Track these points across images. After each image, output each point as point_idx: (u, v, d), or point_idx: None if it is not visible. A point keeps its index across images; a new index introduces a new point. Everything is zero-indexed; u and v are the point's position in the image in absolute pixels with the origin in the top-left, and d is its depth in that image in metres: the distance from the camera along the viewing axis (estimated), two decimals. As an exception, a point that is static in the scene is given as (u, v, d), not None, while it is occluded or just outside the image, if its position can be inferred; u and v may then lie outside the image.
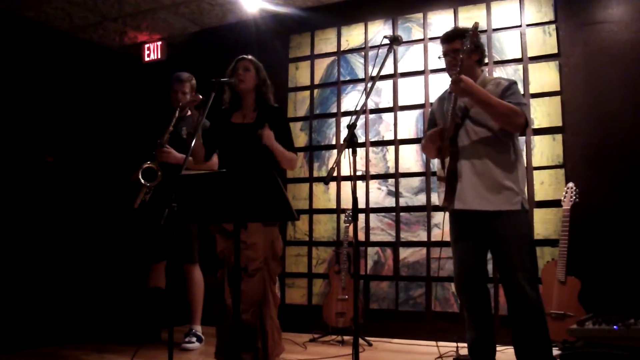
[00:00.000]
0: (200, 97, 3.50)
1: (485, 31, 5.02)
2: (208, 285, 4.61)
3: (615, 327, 3.04)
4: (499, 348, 3.46)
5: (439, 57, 3.46)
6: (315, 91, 5.75)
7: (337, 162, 2.89)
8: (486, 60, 4.83)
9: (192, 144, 3.52)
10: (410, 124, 5.25)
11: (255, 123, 3.55)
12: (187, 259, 4.70)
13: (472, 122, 3.26)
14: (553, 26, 4.79)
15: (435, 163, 3.67)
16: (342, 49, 5.67)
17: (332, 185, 5.51)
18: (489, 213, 3.17)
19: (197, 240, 4.76)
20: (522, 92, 3.54)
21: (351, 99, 5.55)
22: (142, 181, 4.50)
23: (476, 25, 3.21)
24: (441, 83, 5.14)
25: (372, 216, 5.30)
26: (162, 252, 4.71)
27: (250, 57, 3.66)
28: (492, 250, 3.28)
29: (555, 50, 4.76)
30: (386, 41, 3.21)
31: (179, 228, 4.59)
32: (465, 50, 3.17)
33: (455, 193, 3.27)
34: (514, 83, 3.29)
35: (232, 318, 2.91)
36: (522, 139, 4.56)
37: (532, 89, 4.78)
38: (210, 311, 5.03)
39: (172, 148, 4.59)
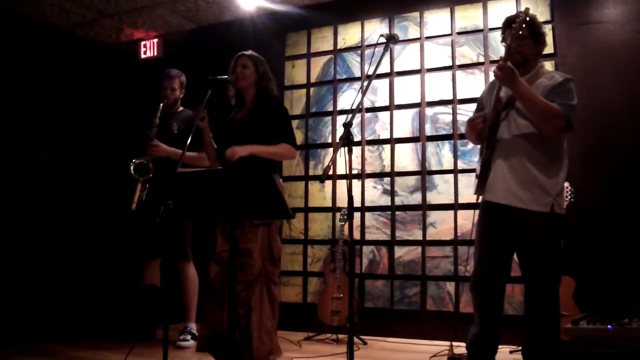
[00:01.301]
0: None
1: (481, 30, 5.03)
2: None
3: (609, 326, 3.05)
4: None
5: (502, 42, 3.36)
6: (312, 89, 5.74)
7: (333, 161, 2.88)
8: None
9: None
10: (406, 123, 5.25)
11: (248, 117, 3.56)
12: (180, 256, 4.69)
13: (517, 114, 3.12)
14: (549, 26, 4.79)
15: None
16: (338, 48, 5.66)
17: (328, 183, 5.51)
18: (518, 211, 3.07)
19: (191, 237, 4.76)
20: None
21: (347, 98, 5.55)
22: (135, 176, 4.51)
23: (527, 10, 3.10)
24: (437, 82, 5.14)
25: (367, 215, 5.30)
26: (156, 250, 4.70)
27: (249, 52, 3.66)
28: (517, 251, 3.18)
29: (552, 50, 4.76)
30: (382, 40, 3.19)
31: (173, 225, 4.59)
32: (516, 36, 3.04)
33: (486, 183, 3.19)
34: (569, 81, 3.10)
35: (229, 322, 2.92)
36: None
37: (528, 89, 4.79)
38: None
39: (164, 143, 4.62)
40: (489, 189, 3.18)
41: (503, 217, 3.14)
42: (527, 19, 3.05)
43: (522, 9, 4.81)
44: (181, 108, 4.89)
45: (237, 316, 3.31)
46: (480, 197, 3.29)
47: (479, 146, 3.35)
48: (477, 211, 3.34)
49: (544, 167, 3.06)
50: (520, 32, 3.05)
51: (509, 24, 3.19)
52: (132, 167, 4.52)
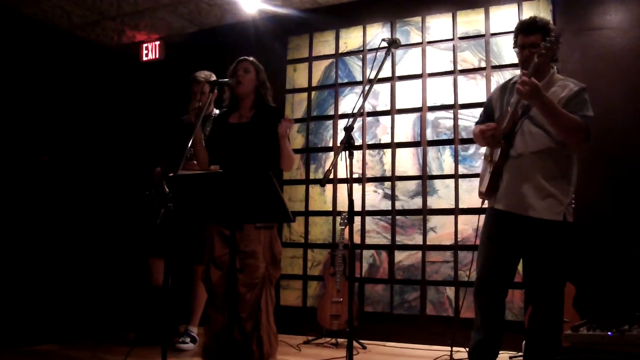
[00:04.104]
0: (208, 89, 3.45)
1: (483, 35, 5.03)
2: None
3: (609, 333, 3.05)
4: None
5: (514, 48, 3.31)
6: (313, 93, 5.74)
7: (334, 165, 2.88)
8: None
9: (194, 149, 3.53)
10: (407, 128, 5.25)
11: (251, 122, 3.55)
12: (197, 259, 4.63)
13: (531, 122, 3.10)
14: (551, 32, 4.79)
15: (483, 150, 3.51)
16: (340, 52, 5.66)
17: (329, 187, 5.51)
18: (528, 219, 3.05)
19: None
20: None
21: (348, 102, 5.55)
22: (170, 194, 4.41)
23: (558, 31, 3.07)
24: (439, 87, 5.14)
25: (367, 219, 5.30)
26: (159, 248, 4.66)
27: (251, 58, 3.65)
28: (524, 257, 3.16)
29: (553, 56, 4.76)
30: (384, 44, 3.17)
31: (189, 229, 4.53)
32: (545, 48, 2.95)
33: (496, 191, 3.17)
34: (584, 90, 3.10)
35: (228, 323, 2.92)
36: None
37: (530, 94, 4.78)
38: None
39: None
40: (501, 198, 3.15)
41: (512, 223, 3.11)
42: (550, 44, 2.97)
43: (524, 15, 4.86)
44: (216, 111, 4.76)
45: (239, 319, 3.31)
46: (487, 202, 3.28)
47: (480, 151, 3.35)
48: (480, 216, 3.33)
49: (555, 176, 3.06)
50: (544, 51, 2.97)
51: (524, 29, 3.18)
52: (165, 185, 4.42)
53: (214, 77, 4.66)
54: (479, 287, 3.22)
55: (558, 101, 3.04)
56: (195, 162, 4.32)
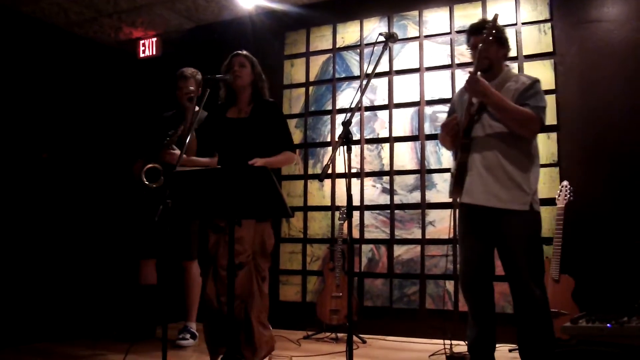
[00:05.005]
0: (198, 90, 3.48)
1: (480, 29, 5.02)
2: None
3: (608, 325, 3.05)
4: (492, 346, 3.46)
5: (467, 49, 3.39)
6: (311, 88, 5.74)
7: (332, 159, 2.88)
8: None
9: (187, 140, 3.53)
10: (405, 122, 5.25)
11: (250, 117, 3.56)
12: (185, 256, 4.67)
13: (490, 116, 3.17)
14: (548, 24, 4.79)
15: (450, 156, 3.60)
16: (337, 46, 5.66)
17: (327, 182, 5.50)
18: (496, 211, 3.11)
19: (197, 237, 4.73)
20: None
21: (346, 96, 5.55)
22: (146, 182, 4.43)
23: (496, 16, 3.14)
24: (436, 81, 5.14)
25: (366, 214, 5.30)
26: (151, 249, 4.67)
27: (245, 52, 3.67)
28: (498, 249, 3.21)
29: (551, 49, 4.76)
30: (382, 38, 3.18)
31: (178, 225, 4.55)
32: (485, 42, 3.10)
33: (463, 186, 3.22)
34: (536, 82, 3.19)
35: (227, 313, 2.92)
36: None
37: (527, 88, 4.79)
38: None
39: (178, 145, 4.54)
40: (467, 191, 3.21)
41: (482, 216, 3.18)
42: (488, 29, 3.10)
43: (522, 7, 4.88)
44: (197, 108, 4.73)
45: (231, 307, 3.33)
46: (458, 199, 3.33)
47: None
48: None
49: (520, 166, 3.13)
50: (491, 38, 3.11)
51: (474, 31, 3.28)
52: (143, 173, 4.43)
53: (199, 75, 4.67)
54: (464, 284, 3.30)
55: (512, 94, 3.14)
56: (174, 151, 4.36)
